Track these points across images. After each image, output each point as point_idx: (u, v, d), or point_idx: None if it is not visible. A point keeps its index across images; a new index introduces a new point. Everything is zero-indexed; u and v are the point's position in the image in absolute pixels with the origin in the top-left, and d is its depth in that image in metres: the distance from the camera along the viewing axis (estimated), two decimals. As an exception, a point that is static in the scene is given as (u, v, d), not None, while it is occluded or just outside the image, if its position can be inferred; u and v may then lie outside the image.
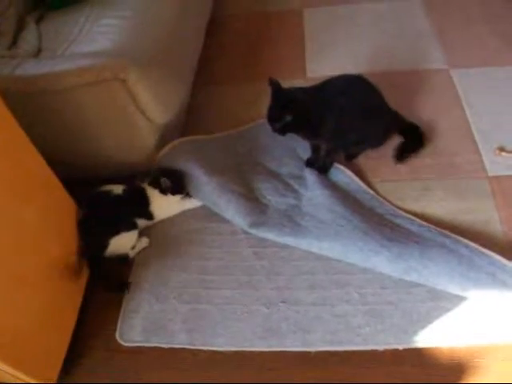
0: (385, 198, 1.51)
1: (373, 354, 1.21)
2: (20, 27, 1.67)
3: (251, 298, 1.34)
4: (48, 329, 1.22)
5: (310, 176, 1.56)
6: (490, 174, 1.54)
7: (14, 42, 1.61)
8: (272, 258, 1.42)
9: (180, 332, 1.30)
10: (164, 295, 1.38)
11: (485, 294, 1.24)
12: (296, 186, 1.56)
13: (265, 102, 1.38)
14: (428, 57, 1.98)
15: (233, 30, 2.30)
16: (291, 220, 1.45)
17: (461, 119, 1.71)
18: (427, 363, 1.19)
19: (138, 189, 1.50)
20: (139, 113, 1.44)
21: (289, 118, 1.34)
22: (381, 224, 1.40)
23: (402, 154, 1.60)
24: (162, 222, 1.55)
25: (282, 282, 1.36)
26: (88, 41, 1.54)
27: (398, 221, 1.42)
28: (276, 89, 1.36)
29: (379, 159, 1.63)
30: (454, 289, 1.26)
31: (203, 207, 1.56)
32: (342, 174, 1.58)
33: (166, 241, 1.51)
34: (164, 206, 1.51)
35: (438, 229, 1.38)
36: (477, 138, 1.64)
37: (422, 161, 1.61)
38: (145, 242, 1.49)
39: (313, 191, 1.52)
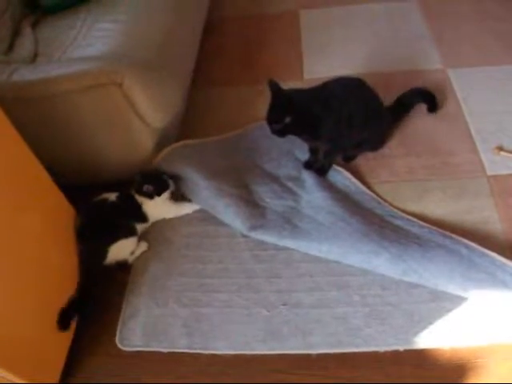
0: (384, 200, 1.51)
1: (374, 356, 1.21)
2: (16, 32, 1.67)
3: (251, 301, 1.34)
4: (48, 334, 1.22)
5: (309, 178, 1.56)
6: (489, 173, 1.54)
7: (10, 48, 1.61)
8: (271, 261, 1.41)
9: (180, 336, 1.29)
10: (163, 299, 1.37)
11: (485, 294, 1.24)
12: (294, 188, 1.56)
13: (262, 103, 1.38)
14: (424, 57, 1.98)
15: (229, 32, 2.30)
16: (290, 222, 1.45)
17: (458, 119, 1.71)
18: (428, 364, 1.19)
19: (129, 194, 1.50)
20: (136, 117, 1.43)
21: (288, 119, 1.34)
22: (380, 225, 1.40)
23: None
24: (161, 226, 1.55)
25: (281, 285, 1.36)
26: (84, 45, 1.54)
27: (397, 222, 1.42)
28: (275, 90, 1.35)
29: (378, 160, 1.63)
30: (454, 289, 1.26)
31: (201, 211, 1.55)
32: (340, 175, 1.58)
33: (164, 245, 1.50)
34: (157, 206, 1.51)
35: (439, 229, 1.38)
36: (475, 137, 1.64)
37: (420, 161, 1.61)
38: (143, 246, 1.49)
39: (311, 193, 1.52)
